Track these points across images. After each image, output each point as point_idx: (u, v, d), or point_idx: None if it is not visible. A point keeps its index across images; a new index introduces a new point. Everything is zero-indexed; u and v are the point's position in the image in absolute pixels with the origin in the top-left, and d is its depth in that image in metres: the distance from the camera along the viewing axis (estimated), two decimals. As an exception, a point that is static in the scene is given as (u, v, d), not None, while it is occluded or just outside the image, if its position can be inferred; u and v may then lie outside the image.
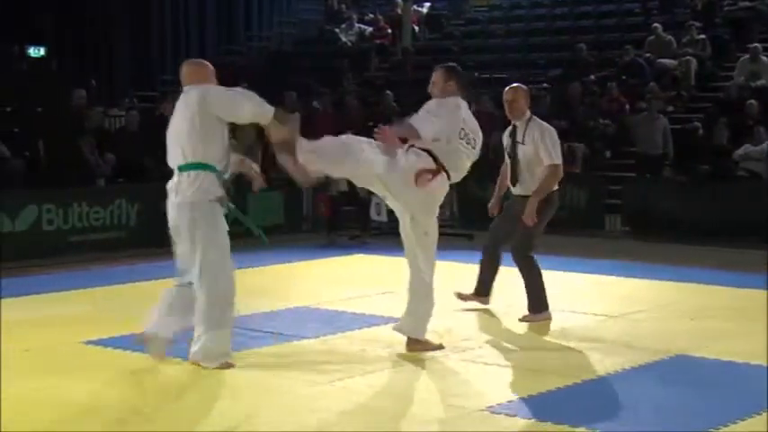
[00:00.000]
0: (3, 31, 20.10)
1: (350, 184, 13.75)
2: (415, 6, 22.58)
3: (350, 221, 13.69)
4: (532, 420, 5.43)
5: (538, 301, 8.09)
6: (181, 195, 6.44)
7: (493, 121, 15.64)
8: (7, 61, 18.49)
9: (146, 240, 12.15)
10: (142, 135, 13.96)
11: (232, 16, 24.49)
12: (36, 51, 21.52)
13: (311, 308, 8.54)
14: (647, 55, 17.97)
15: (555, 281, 10.01)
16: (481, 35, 22.11)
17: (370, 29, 22.74)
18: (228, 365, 6.43)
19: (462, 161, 6.96)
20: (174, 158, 6.52)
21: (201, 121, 6.37)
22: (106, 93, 19.53)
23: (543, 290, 8.11)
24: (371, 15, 23.49)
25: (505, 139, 8.25)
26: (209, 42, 24.18)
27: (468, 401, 5.77)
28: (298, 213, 14.31)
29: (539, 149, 7.94)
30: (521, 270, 8.14)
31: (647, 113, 15.43)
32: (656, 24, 18.52)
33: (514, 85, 8.29)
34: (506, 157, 8.25)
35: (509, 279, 8.44)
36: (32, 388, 6.04)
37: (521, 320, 8.04)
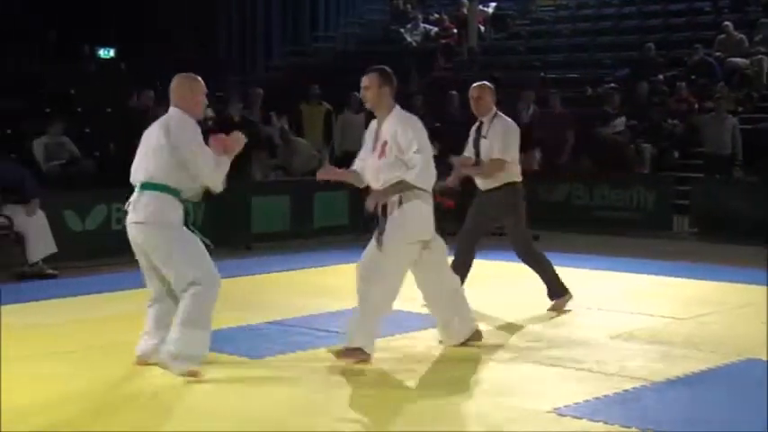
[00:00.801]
0: (73, 32, 20.44)
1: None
2: (480, 6, 22.51)
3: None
4: (600, 423, 5.37)
5: (556, 287, 8.53)
6: (136, 215, 6.28)
7: (563, 119, 15.60)
8: (78, 62, 18.80)
9: (212, 240, 12.28)
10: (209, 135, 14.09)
11: (298, 17, 24.63)
12: (105, 53, 21.85)
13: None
14: (717, 54, 17.71)
15: (621, 282, 9.96)
16: (547, 35, 21.98)
17: (436, 29, 22.71)
18: (193, 373, 6.14)
19: None
20: (137, 173, 6.38)
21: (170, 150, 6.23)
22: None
23: (556, 275, 8.56)
24: (437, 15, 23.47)
25: (472, 134, 8.55)
26: (275, 43, 24.36)
27: (534, 403, 5.73)
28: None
29: (494, 143, 8.27)
30: (530, 264, 8.59)
31: (715, 113, 15.22)
32: (726, 23, 18.24)
33: (480, 83, 8.59)
34: (471, 150, 8.50)
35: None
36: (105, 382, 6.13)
37: (549, 310, 8.42)
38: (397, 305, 8.34)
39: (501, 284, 9.66)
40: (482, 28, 22.25)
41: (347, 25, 25.29)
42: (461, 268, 8.30)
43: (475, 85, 8.57)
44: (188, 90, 6.39)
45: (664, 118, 16.03)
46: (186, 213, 6.34)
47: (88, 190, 12.16)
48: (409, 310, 8.43)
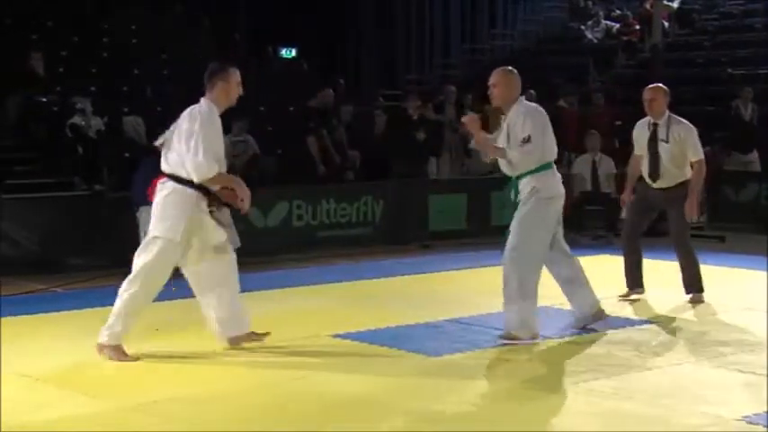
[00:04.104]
0: (257, 32, 20.99)
1: (593, 183, 13.57)
2: (665, 1, 21.90)
3: (593, 220, 13.40)
4: (794, 433, 5.12)
5: (696, 281, 8.68)
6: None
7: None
8: (261, 62, 19.28)
9: (390, 238, 12.39)
10: (388, 133, 14.23)
11: (476, 15, 24.57)
12: (288, 52, 22.35)
13: (554, 308, 8.42)
14: None
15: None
16: (736, 30, 21.18)
17: (617, 25, 22.26)
18: None
19: None
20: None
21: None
22: (353, 92, 20.03)
23: (699, 270, 8.73)
24: (618, 12, 23.00)
25: (643, 135, 8.68)
26: (453, 41, 24.37)
27: (723, 410, 5.50)
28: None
29: (685, 147, 8.51)
30: (683, 254, 8.71)
31: None
32: None
33: (654, 85, 8.76)
34: (646, 153, 8.64)
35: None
36: (289, 378, 6.24)
37: (689, 302, 8.57)
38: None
39: (678, 285, 9.35)
40: (666, 24, 21.65)
41: (526, 23, 25.07)
42: (636, 264, 8.79)
43: (649, 87, 8.71)
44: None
45: None
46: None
47: (270, 187, 12.43)
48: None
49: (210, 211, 6.66)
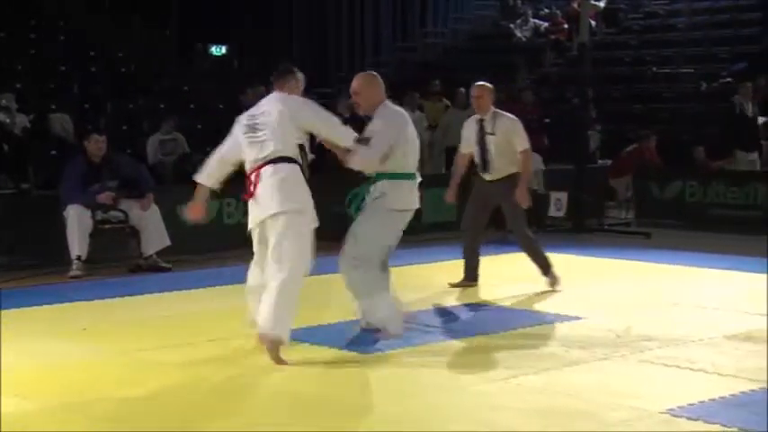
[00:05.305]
0: (186, 30, 20.84)
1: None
2: (592, 1, 22.17)
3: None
4: (716, 425, 5.21)
5: (546, 263, 9.03)
6: None
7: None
8: (191, 59, 19.17)
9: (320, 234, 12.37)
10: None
11: (407, 13, 24.67)
12: (218, 50, 22.23)
13: (484, 305, 8.51)
14: None
15: (744, 282, 9.65)
16: (661, 29, 21.55)
17: (546, 24, 22.49)
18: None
19: None
20: None
21: None
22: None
23: (544, 253, 9.10)
24: (547, 10, 23.25)
25: (473, 132, 9.07)
26: (384, 40, 24.45)
27: (647, 403, 5.60)
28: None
29: (512, 137, 8.94)
30: (526, 247, 9.10)
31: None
32: None
33: (480, 83, 9.16)
34: (475, 147, 9.03)
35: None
36: (222, 376, 6.22)
37: (547, 285, 8.96)
38: (503, 302, 8.29)
39: (604, 281, 9.50)
40: (593, 23, 21.92)
41: (456, 21, 25.22)
42: (475, 257, 9.18)
43: (475, 84, 9.14)
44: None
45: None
46: None
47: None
48: (515, 306, 8.39)
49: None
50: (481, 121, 9.04)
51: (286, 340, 6.44)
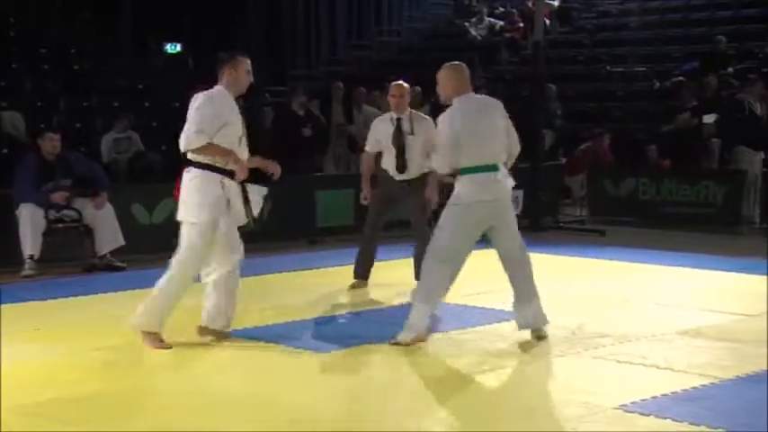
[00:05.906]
0: (140, 27, 20.70)
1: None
2: (546, -1, 22.33)
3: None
4: (667, 420, 5.29)
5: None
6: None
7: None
8: (145, 57, 19.04)
9: (278, 234, 12.38)
10: (274, 129, 14.20)
11: (362, 12, 24.68)
12: (173, 47, 22.09)
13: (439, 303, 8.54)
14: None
15: (696, 279, 9.77)
16: (614, 28, 21.74)
17: (501, 22, 22.59)
18: None
19: None
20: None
21: None
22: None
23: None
24: (502, 9, 23.35)
25: (385, 131, 9.04)
26: (339, 38, 24.44)
27: (601, 399, 5.66)
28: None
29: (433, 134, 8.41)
30: (423, 245, 8.65)
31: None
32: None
33: (398, 82, 9.16)
34: (391, 148, 8.97)
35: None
36: (174, 376, 6.17)
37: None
38: (458, 300, 8.34)
39: (559, 279, 9.58)
40: (547, 22, 22.07)
41: (411, 20, 25.26)
42: (371, 256, 9.29)
43: (394, 84, 9.15)
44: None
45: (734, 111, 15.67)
46: None
47: (155, 184, 12.27)
48: (471, 304, 8.43)
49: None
50: (398, 120, 8.99)
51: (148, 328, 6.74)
